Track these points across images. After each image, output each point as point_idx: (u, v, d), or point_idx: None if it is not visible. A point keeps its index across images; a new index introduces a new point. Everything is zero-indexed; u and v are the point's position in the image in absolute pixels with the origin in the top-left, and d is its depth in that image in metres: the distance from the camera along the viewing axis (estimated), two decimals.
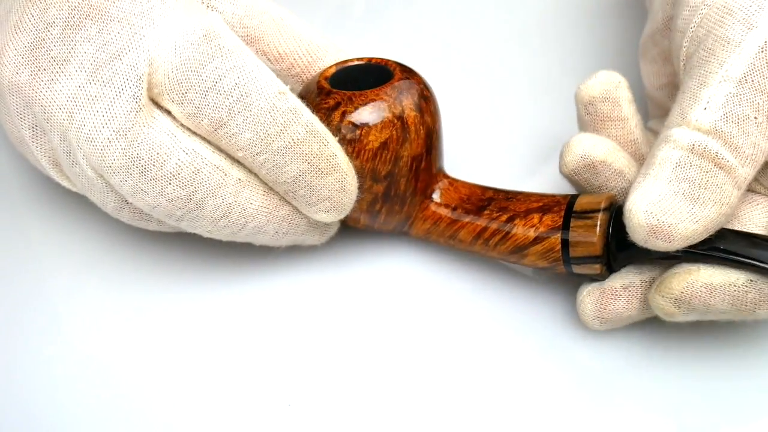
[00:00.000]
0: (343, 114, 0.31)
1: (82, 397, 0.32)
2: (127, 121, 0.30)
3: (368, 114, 0.31)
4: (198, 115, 0.30)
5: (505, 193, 0.33)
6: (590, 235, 0.30)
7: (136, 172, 0.30)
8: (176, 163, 0.30)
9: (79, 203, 0.37)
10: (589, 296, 0.32)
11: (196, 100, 0.30)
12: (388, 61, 0.34)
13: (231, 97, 0.30)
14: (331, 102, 0.32)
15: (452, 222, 0.33)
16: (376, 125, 0.31)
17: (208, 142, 0.31)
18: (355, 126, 0.31)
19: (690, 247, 0.29)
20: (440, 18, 0.45)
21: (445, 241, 0.34)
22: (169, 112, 0.30)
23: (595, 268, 0.31)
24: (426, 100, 0.33)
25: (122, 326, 0.34)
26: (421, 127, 0.32)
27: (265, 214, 0.32)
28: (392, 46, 0.43)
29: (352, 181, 0.32)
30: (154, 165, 0.30)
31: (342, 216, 0.33)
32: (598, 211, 0.30)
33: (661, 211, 0.28)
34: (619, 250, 0.30)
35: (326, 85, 0.33)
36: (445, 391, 0.32)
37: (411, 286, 0.35)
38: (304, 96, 0.33)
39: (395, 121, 0.32)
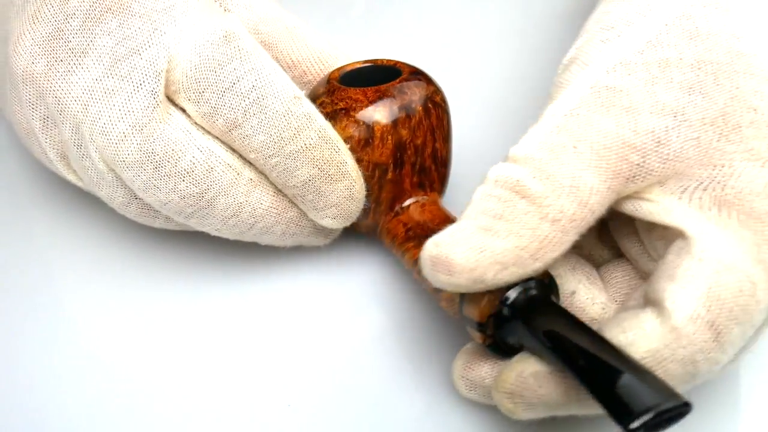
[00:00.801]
0: (321, 104, 0.33)
1: (85, 394, 0.32)
2: (143, 117, 0.30)
3: (335, 110, 0.32)
4: (214, 114, 0.30)
5: None
6: (479, 298, 0.28)
7: (150, 167, 0.30)
8: (191, 161, 0.30)
9: (82, 201, 0.37)
10: (463, 353, 0.30)
11: (213, 99, 0.30)
12: (415, 69, 0.34)
13: (247, 99, 0.30)
14: (328, 93, 0.33)
15: (402, 242, 0.33)
16: (341, 120, 0.32)
17: (222, 141, 0.31)
18: (325, 115, 0.32)
19: (530, 336, 0.26)
20: (440, 17, 0.46)
21: (400, 259, 0.33)
22: (184, 110, 0.31)
23: (476, 336, 0.28)
24: (414, 116, 0.32)
25: (124, 324, 0.34)
26: (389, 137, 0.32)
27: (274, 215, 0.32)
28: (392, 46, 0.43)
29: (360, 190, 0.32)
30: (168, 161, 0.30)
31: (348, 224, 0.33)
32: None
33: (448, 243, 0.26)
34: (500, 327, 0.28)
35: (334, 81, 0.33)
36: (445, 389, 0.32)
37: (409, 288, 0.35)
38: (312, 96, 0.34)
39: (360, 123, 0.32)
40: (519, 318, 0.27)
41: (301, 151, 0.31)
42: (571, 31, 0.44)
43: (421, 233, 0.32)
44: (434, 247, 0.26)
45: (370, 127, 0.32)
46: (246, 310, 0.35)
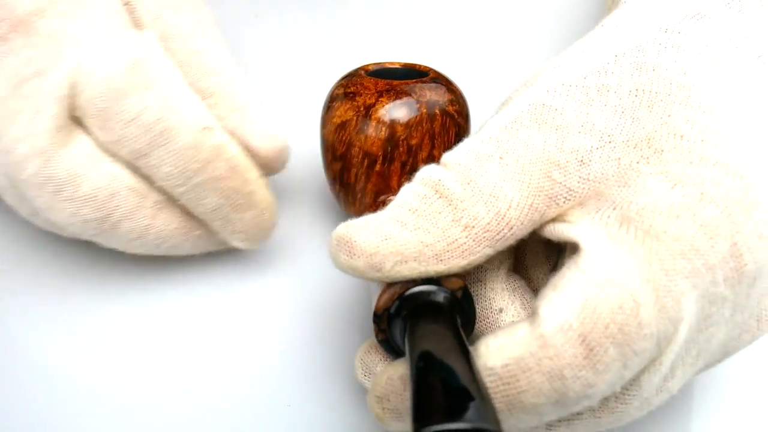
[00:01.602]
0: (338, 86, 0.34)
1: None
2: (44, 140, 0.29)
3: (345, 92, 0.33)
4: (118, 144, 0.30)
5: None
6: (385, 291, 0.28)
7: (49, 190, 0.30)
8: (92, 186, 0.30)
9: None
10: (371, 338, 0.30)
11: (117, 129, 0.30)
12: (441, 77, 0.35)
13: (153, 131, 0.30)
14: (348, 76, 0.35)
15: None
16: (345, 103, 0.33)
17: (129, 165, 0.31)
18: (332, 98, 0.34)
19: (403, 339, 0.26)
20: (440, 17, 0.46)
21: None
22: (91, 133, 0.30)
23: (374, 328, 0.28)
24: (415, 116, 0.33)
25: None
26: (383, 129, 0.33)
27: (182, 234, 0.33)
28: (392, 46, 0.43)
29: (269, 217, 0.33)
30: (69, 186, 0.30)
31: (258, 246, 0.33)
32: (414, 280, 0.27)
33: (357, 226, 0.27)
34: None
35: (362, 70, 0.35)
36: None
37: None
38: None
39: (360, 109, 0.33)
40: (404, 319, 0.27)
41: (209, 182, 0.31)
42: (565, 27, 0.43)
43: None
44: (344, 227, 0.27)
45: (367, 115, 0.33)
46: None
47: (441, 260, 0.26)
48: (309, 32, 0.45)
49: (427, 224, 0.26)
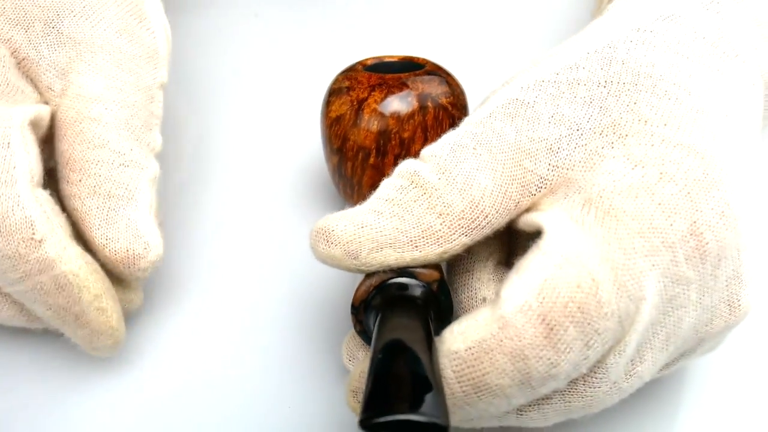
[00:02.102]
0: (335, 80, 0.35)
1: None
2: None
3: (340, 87, 0.34)
4: None
5: None
6: (362, 282, 0.28)
7: None
8: None
9: None
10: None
11: None
12: (437, 69, 0.35)
13: None
14: (345, 71, 0.35)
15: None
16: (340, 97, 0.34)
17: None
18: (330, 92, 0.34)
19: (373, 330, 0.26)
20: (440, 16, 0.46)
21: None
22: None
23: (352, 319, 0.29)
24: (406, 109, 0.33)
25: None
26: (375, 122, 0.33)
27: (23, 320, 0.31)
28: (393, 39, 0.44)
29: (106, 340, 0.30)
30: None
31: (105, 356, 0.32)
32: (393, 273, 0.28)
33: (335, 217, 0.28)
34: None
35: (360, 64, 0.35)
36: None
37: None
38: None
39: (354, 103, 0.33)
40: (375, 310, 0.27)
41: (33, 293, 0.29)
42: (560, 27, 0.44)
43: None
44: (323, 219, 0.28)
45: (360, 109, 0.33)
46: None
47: (416, 246, 0.27)
48: (310, 28, 0.46)
49: (403, 212, 0.27)
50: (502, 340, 0.24)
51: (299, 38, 0.46)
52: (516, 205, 0.28)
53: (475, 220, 0.27)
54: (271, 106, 0.42)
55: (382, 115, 0.33)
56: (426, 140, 0.33)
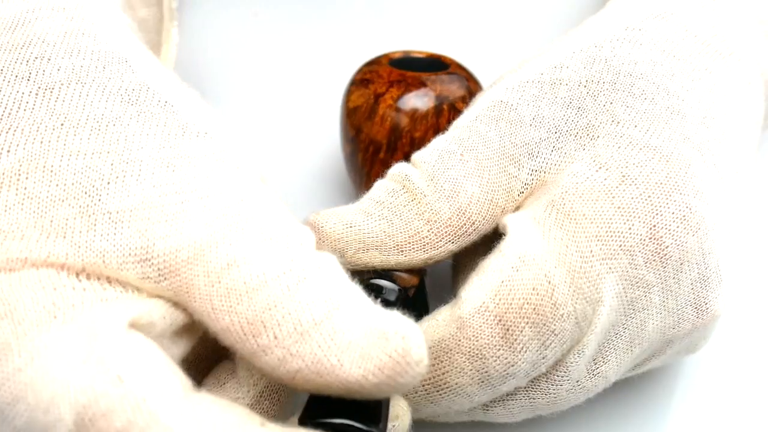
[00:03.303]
0: (358, 71, 0.35)
1: None
2: None
3: (362, 79, 0.34)
4: None
5: None
6: None
7: None
8: None
9: None
10: None
11: None
12: (459, 72, 0.35)
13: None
14: (369, 63, 0.35)
15: None
16: (358, 89, 0.34)
17: None
18: (351, 82, 0.35)
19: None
20: (441, 16, 0.46)
21: None
22: None
23: None
24: (421, 108, 0.33)
25: None
26: (388, 118, 0.33)
27: None
28: (391, 46, 0.43)
29: None
30: None
31: None
32: (371, 274, 0.28)
33: (325, 214, 0.28)
34: None
35: (384, 58, 0.35)
36: None
37: None
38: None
39: (370, 96, 0.34)
40: None
41: None
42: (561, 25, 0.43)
43: None
44: (314, 215, 0.28)
45: (376, 103, 0.33)
46: None
47: (402, 251, 0.28)
48: (310, 28, 0.46)
49: (392, 216, 0.28)
50: (460, 341, 0.25)
51: (299, 38, 0.45)
52: (501, 211, 0.28)
53: (462, 227, 0.28)
54: (271, 106, 0.42)
55: (396, 111, 0.33)
56: None
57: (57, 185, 0.24)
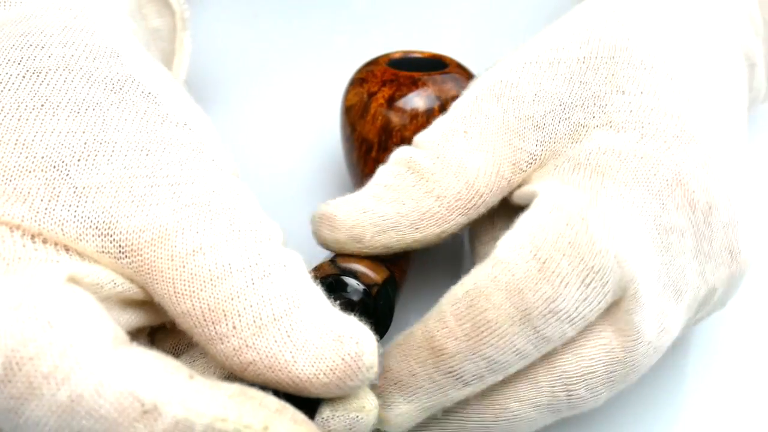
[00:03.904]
0: (358, 70, 0.35)
1: None
2: None
3: (358, 78, 0.35)
4: None
5: None
6: (320, 266, 0.29)
7: None
8: None
9: None
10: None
11: None
12: (452, 72, 0.35)
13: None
14: (367, 64, 0.36)
15: None
16: (354, 87, 0.35)
17: None
18: (350, 81, 0.35)
19: None
20: (441, 16, 0.46)
21: None
22: None
23: None
24: (411, 108, 0.33)
25: None
26: (379, 117, 0.33)
27: None
28: (391, 46, 0.43)
29: None
30: None
31: None
32: (338, 268, 0.29)
33: (336, 203, 0.29)
34: None
35: (383, 57, 0.36)
36: None
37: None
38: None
39: (364, 95, 0.34)
40: None
41: None
42: None
43: None
44: (324, 205, 0.29)
45: (368, 102, 0.34)
46: None
47: (417, 228, 0.29)
48: (309, 28, 0.46)
49: (402, 197, 0.29)
50: (496, 277, 0.25)
51: (299, 38, 0.46)
52: (508, 183, 0.29)
53: (471, 200, 0.29)
54: (270, 106, 0.43)
55: (387, 110, 0.33)
56: None
57: (26, 158, 0.25)
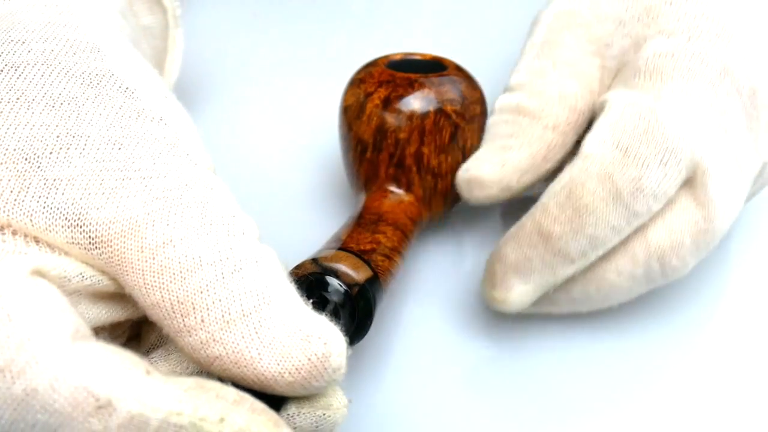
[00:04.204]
0: (357, 71, 0.36)
1: None
2: None
3: (357, 78, 0.35)
4: None
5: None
6: (301, 265, 0.29)
7: None
8: None
9: None
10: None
11: None
12: (450, 75, 0.35)
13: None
14: (366, 65, 0.36)
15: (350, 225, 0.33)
16: (352, 87, 0.35)
17: None
18: (349, 81, 0.35)
19: None
20: (441, 16, 0.46)
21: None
22: None
23: None
24: (406, 110, 0.33)
25: None
26: (374, 117, 0.33)
27: None
28: (390, 46, 0.43)
29: None
30: None
31: None
32: (319, 267, 0.29)
33: (475, 166, 0.32)
34: None
35: (383, 59, 0.36)
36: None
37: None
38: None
39: (361, 95, 0.34)
40: None
41: None
42: None
43: (373, 220, 0.32)
44: (465, 171, 0.33)
45: (364, 103, 0.34)
46: None
47: (548, 160, 0.33)
48: (309, 28, 0.46)
49: (527, 139, 0.32)
50: (587, 169, 0.30)
51: (298, 38, 0.46)
52: (597, 96, 0.33)
53: (577, 120, 0.33)
54: (270, 106, 0.43)
55: (382, 111, 0.33)
56: (422, 144, 0.33)
57: None
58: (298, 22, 0.47)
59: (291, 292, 0.25)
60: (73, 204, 0.24)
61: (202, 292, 0.23)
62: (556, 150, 0.32)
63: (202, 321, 0.23)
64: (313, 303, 0.26)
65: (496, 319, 0.34)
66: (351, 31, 0.46)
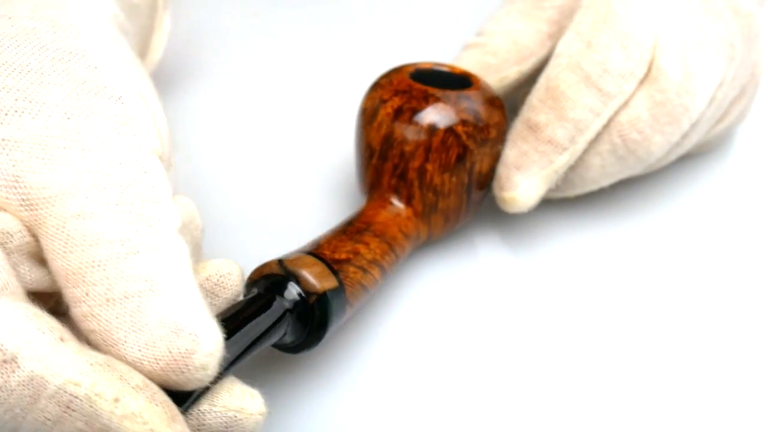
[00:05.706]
0: (381, 76, 0.35)
1: None
2: None
3: (378, 83, 0.35)
4: None
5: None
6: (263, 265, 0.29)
7: None
8: None
9: None
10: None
11: None
12: (471, 93, 0.34)
13: None
14: (390, 71, 0.36)
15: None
16: (371, 91, 0.35)
17: None
18: (372, 84, 0.35)
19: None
20: (441, 17, 0.46)
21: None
22: None
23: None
24: (414, 124, 0.33)
25: None
26: (384, 126, 0.33)
27: None
28: (390, 46, 0.43)
29: None
30: None
31: None
32: (283, 269, 0.29)
33: (512, 186, 0.34)
34: None
35: (408, 67, 0.35)
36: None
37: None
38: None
39: (377, 101, 0.34)
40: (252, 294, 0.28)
41: (43, 429, 0.23)
42: None
43: (360, 229, 0.32)
44: (501, 192, 0.34)
45: (378, 109, 0.33)
46: None
47: (493, 74, 0.38)
48: (309, 28, 0.46)
49: (478, 58, 0.38)
50: (559, 63, 0.34)
51: (299, 38, 0.46)
52: (549, 36, 0.37)
53: (519, 52, 0.37)
54: (270, 105, 0.43)
55: (392, 121, 0.33)
56: (426, 160, 0.33)
57: None
58: (299, 21, 0.47)
59: (188, 287, 0.24)
60: (14, 166, 0.25)
61: (93, 267, 0.24)
62: (491, 70, 0.37)
63: (87, 294, 0.24)
64: (261, 304, 0.26)
65: (494, 328, 0.33)
66: (351, 31, 0.46)
